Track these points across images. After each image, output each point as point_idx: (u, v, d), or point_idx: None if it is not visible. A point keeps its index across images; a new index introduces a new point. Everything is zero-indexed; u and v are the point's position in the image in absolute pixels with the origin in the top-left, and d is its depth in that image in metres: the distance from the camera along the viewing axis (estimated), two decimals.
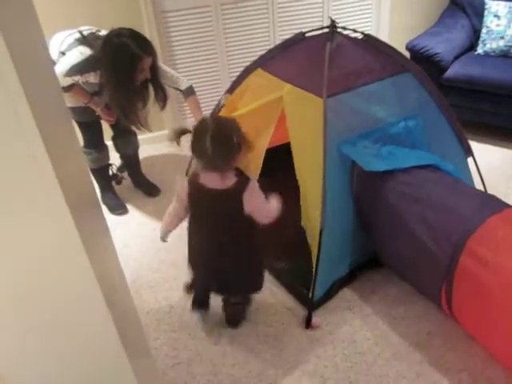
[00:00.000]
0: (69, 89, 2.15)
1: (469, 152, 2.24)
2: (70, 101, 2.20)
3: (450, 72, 2.99)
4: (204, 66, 3.30)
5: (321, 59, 1.88)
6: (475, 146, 3.09)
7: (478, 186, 2.23)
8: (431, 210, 1.60)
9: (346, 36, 2.05)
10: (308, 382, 1.63)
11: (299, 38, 2.13)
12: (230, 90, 2.38)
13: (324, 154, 1.75)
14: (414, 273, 1.70)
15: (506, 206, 1.58)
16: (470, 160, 2.26)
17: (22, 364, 1.08)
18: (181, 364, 1.73)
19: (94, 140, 2.44)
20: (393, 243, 1.72)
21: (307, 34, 2.13)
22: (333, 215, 1.78)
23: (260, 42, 3.34)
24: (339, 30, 2.03)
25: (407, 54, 3.25)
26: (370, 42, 2.04)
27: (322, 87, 1.80)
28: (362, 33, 2.06)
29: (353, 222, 1.88)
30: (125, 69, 2.06)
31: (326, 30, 2.02)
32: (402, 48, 3.30)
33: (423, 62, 3.08)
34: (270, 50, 2.19)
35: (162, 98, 2.36)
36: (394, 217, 1.69)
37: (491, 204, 1.57)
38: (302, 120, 1.92)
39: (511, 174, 2.76)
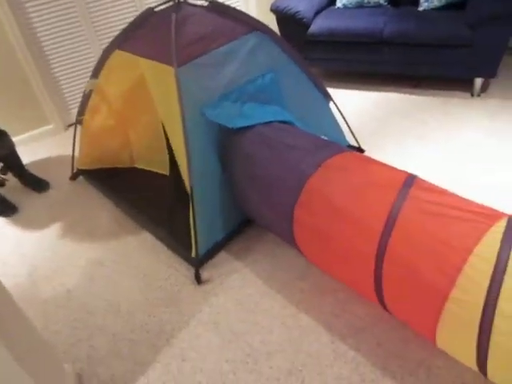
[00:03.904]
0: None
1: (328, 97, 2.44)
2: None
3: (313, 28, 3.19)
4: (74, 44, 3.32)
5: (169, 30, 1.96)
6: (344, 93, 3.38)
7: (343, 125, 2.47)
8: (278, 155, 1.75)
9: (193, 5, 2.14)
10: (202, 330, 1.76)
11: (149, 14, 2.18)
12: (95, 75, 2.40)
13: (183, 120, 1.84)
14: (269, 217, 1.84)
15: (331, 154, 1.71)
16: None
17: None
18: (81, 340, 1.79)
19: None
20: (251, 193, 1.85)
21: (156, 9, 2.19)
22: (202, 175, 1.90)
23: (126, 9, 3.37)
24: (185, 0, 2.11)
25: (273, 17, 3.41)
26: (216, 9, 2.14)
27: (171, 57, 1.88)
28: (208, 0, 2.15)
29: (224, 182, 2.01)
30: None
31: (172, 3, 2.10)
32: (268, 11, 3.45)
33: (289, 22, 3.28)
34: (124, 30, 2.22)
35: None
36: (251, 164, 1.80)
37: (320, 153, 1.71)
38: (162, 91, 2.00)
39: (376, 113, 3.04)
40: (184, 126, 1.84)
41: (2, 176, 2.62)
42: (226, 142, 1.94)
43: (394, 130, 2.86)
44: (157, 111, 2.15)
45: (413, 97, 3.19)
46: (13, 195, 2.73)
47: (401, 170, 1.54)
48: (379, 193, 1.44)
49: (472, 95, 3.07)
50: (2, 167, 2.65)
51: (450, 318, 1.22)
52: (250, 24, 2.13)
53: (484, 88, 3.11)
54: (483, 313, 1.14)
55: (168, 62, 1.89)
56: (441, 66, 2.97)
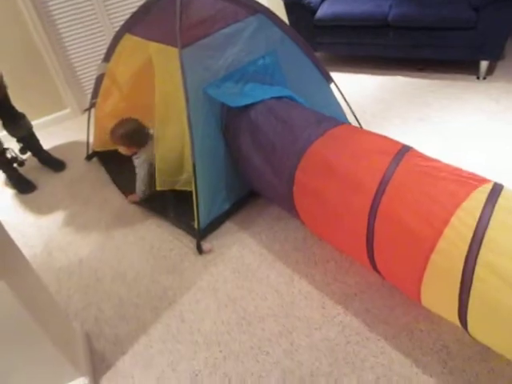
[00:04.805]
0: None
1: (329, 79, 2.51)
2: None
3: (320, 12, 3.25)
4: (88, 31, 3.47)
5: (174, 13, 2.06)
6: (349, 76, 3.43)
7: (346, 107, 2.54)
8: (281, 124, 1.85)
9: None
10: (201, 295, 1.88)
11: None
12: (107, 59, 2.53)
13: (186, 99, 1.95)
14: (272, 187, 1.95)
15: (332, 126, 1.80)
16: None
17: None
18: (90, 304, 1.94)
19: None
20: (256, 160, 1.95)
21: None
22: (204, 151, 2.01)
23: None
24: None
25: (281, 2, 3.47)
26: None
27: (176, 38, 1.98)
28: None
29: (225, 158, 2.12)
30: None
31: None
32: None
33: (297, 7, 3.34)
34: (134, 14, 2.33)
35: None
36: (257, 132, 1.91)
37: (320, 126, 1.81)
38: (167, 72, 2.10)
39: (380, 96, 3.09)
40: (188, 105, 1.95)
41: (22, 156, 2.79)
42: (232, 115, 2.03)
43: (398, 112, 2.91)
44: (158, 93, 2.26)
45: (418, 80, 3.23)
46: (31, 174, 2.89)
47: (398, 141, 1.63)
48: (376, 157, 1.54)
49: (478, 78, 3.09)
50: (22, 148, 2.81)
51: (434, 270, 1.29)
52: (253, 7, 2.20)
53: (490, 71, 3.12)
54: (465, 262, 1.21)
55: (173, 44, 1.99)
56: (446, 48, 3.00)
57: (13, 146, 2.77)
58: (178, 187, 2.24)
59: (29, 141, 2.81)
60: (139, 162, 2.36)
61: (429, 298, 1.38)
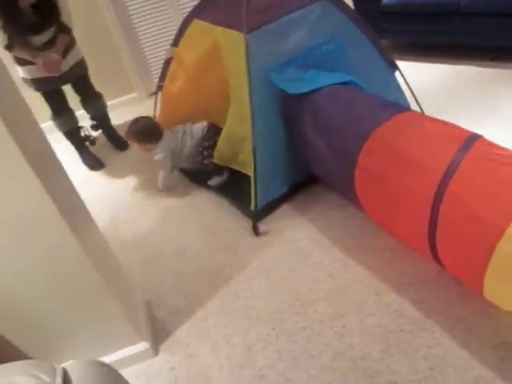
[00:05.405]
0: (11, 46, 2.38)
1: (394, 66, 2.45)
2: (27, 73, 2.48)
3: None
4: (157, 17, 3.61)
5: None
6: (415, 65, 3.33)
7: (410, 97, 2.49)
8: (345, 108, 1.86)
9: None
10: (255, 274, 1.94)
11: None
12: (175, 43, 2.62)
13: (249, 82, 1.99)
14: (332, 171, 1.96)
15: (398, 111, 1.78)
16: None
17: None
18: (151, 276, 2.06)
19: (56, 107, 2.72)
20: (317, 141, 1.95)
21: None
22: (264, 135, 2.05)
23: None
24: None
25: None
26: None
27: (243, 23, 2.03)
28: None
29: (284, 142, 2.15)
30: None
31: None
32: None
33: None
34: (202, 1, 2.40)
35: (63, 37, 2.51)
36: (320, 115, 1.93)
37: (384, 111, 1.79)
38: (232, 56, 2.16)
39: (447, 87, 2.98)
40: (250, 89, 1.99)
41: (93, 134, 2.97)
42: (293, 99, 2.05)
43: (466, 103, 2.79)
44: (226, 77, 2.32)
45: (489, 70, 3.07)
46: (99, 152, 3.08)
47: (466, 129, 1.58)
48: (443, 143, 1.51)
49: None
50: (94, 125, 3.00)
51: (501, 258, 1.25)
52: None
53: None
54: None
55: (239, 29, 2.04)
56: None
57: (86, 124, 2.96)
58: (233, 166, 2.32)
59: (102, 119, 2.99)
60: (160, 158, 2.48)
61: (492, 288, 1.34)
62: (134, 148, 2.58)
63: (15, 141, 1.14)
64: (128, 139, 2.58)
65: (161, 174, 2.55)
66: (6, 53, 2.42)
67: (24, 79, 2.61)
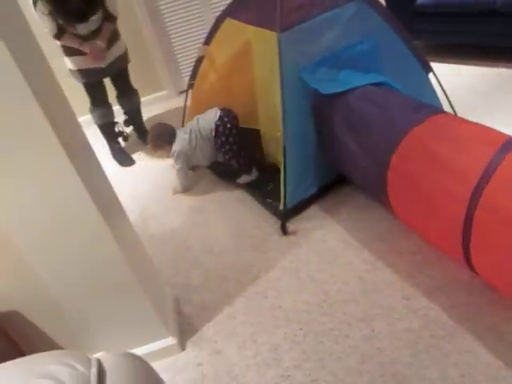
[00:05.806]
0: (59, 35, 2.44)
1: (428, 68, 2.41)
2: (74, 64, 2.54)
3: None
4: (189, 16, 3.64)
5: None
6: (449, 67, 3.27)
7: (443, 99, 2.44)
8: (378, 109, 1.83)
9: None
10: (283, 274, 1.94)
11: None
12: (207, 42, 2.64)
13: (281, 81, 1.99)
14: (363, 173, 1.94)
15: (433, 113, 1.75)
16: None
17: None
18: (179, 272, 2.08)
19: (97, 98, 2.78)
20: (349, 142, 1.94)
21: None
22: (295, 135, 2.04)
23: None
24: None
25: None
26: None
27: (276, 23, 2.03)
28: None
29: (314, 142, 2.14)
30: None
31: None
32: None
33: None
34: (234, 0, 2.41)
35: (108, 25, 2.56)
36: (352, 115, 1.91)
37: (417, 113, 1.76)
38: (265, 55, 2.17)
39: (482, 90, 2.91)
40: (282, 88, 1.99)
41: (125, 129, 3.02)
42: (325, 99, 2.04)
43: (500, 106, 2.73)
44: (255, 76, 2.33)
45: None
46: (131, 149, 3.13)
47: (503, 133, 1.55)
48: (481, 145, 1.48)
49: None
50: (126, 120, 3.05)
51: None
52: None
53: None
54: None
55: (272, 28, 2.04)
56: None
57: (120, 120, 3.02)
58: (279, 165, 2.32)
59: (135, 115, 3.04)
60: (175, 158, 2.49)
61: None
62: (157, 156, 2.62)
63: (56, 134, 1.17)
64: (151, 148, 2.61)
65: (176, 175, 2.58)
66: (51, 46, 2.46)
67: (71, 71, 2.68)
